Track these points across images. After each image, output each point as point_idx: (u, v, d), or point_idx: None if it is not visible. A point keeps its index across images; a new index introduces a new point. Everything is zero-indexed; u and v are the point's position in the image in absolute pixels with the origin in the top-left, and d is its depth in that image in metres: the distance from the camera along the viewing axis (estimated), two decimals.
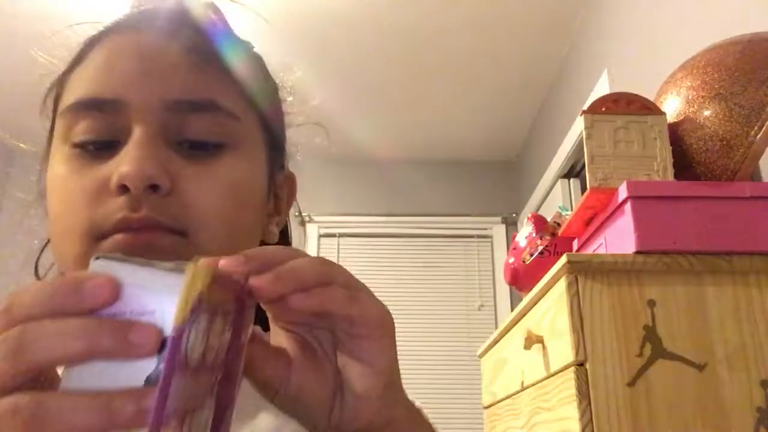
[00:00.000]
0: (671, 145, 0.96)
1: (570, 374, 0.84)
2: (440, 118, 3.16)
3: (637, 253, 0.86)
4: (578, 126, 2.27)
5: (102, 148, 0.41)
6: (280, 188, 0.52)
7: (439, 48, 2.64)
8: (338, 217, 3.33)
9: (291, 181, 0.55)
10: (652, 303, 0.84)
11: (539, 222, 1.30)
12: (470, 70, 2.78)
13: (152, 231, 0.39)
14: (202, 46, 0.44)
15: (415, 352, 3.06)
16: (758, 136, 0.89)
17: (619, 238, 0.92)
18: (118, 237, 0.39)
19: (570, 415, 0.83)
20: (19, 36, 2.61)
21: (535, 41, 2.57)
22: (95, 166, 0.41)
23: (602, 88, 2.08)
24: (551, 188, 2.76)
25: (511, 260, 1.34)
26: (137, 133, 0.40)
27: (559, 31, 2.49)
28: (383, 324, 0.33)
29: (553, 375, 0.93)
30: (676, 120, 0.99)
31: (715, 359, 0.81)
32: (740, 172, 0.91)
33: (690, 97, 0.98)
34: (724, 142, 0.91)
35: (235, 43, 0.49)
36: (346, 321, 0.32)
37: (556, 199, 2.65)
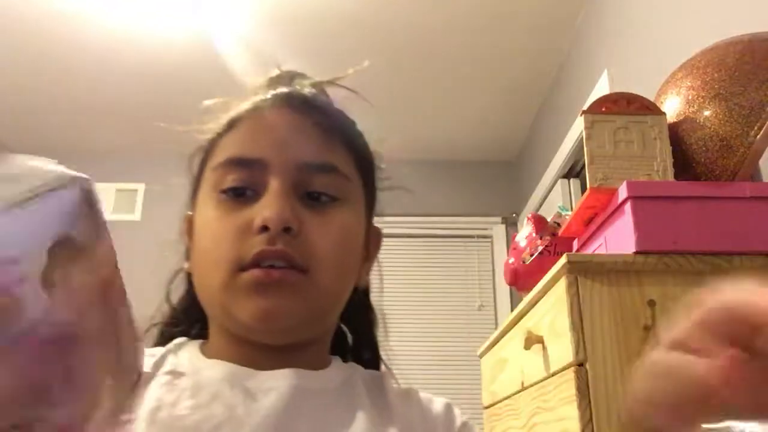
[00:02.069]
0: (671, 145, 0.96)
1: (570, 374, 0.84)
2: (440, 118, 3.16)
3: (637, 253, 0.86)
4: (578, 126, 2.26)
5: (242, 195, 0.52)
6: (371, 238, 0.62)
7: (438, 48, 2.64)
8: None
9: (378, 233, 0.65)
10: (652, 303, 0.84)
11: (539, 222, 1.30)
12: (470, 70, 2.78)
13: (283, 269, 0.49)
14: (326, 123, 0.56)
15: (415, 352, 3.06)
16: (758, 136, 0.89)
17: (619, 238, 0.92)
18: (256, 272, 0.49)
19: (570, 415, 0.83)
20: (19, 36, 2.61)
21: (535, 41, 2.57)
22: (239, 211, 0.51)
23: (602, 88, 2.08)
24: (551, 188, 2.76)
25: (511, 260, 1.34)
26: (274, 185, 0.51)
27: (559, 31, 2.49)
28: None
29: (552, 375, 0.93)
30: (676, 120, 0.99)
31: None
32: (740, 172, 0.91)
33: (690, 97, 0.98)
34: (724, 142, 0.91)
35: (348, 122, 0.61)
36: None
37: (556, 199, 2.65)
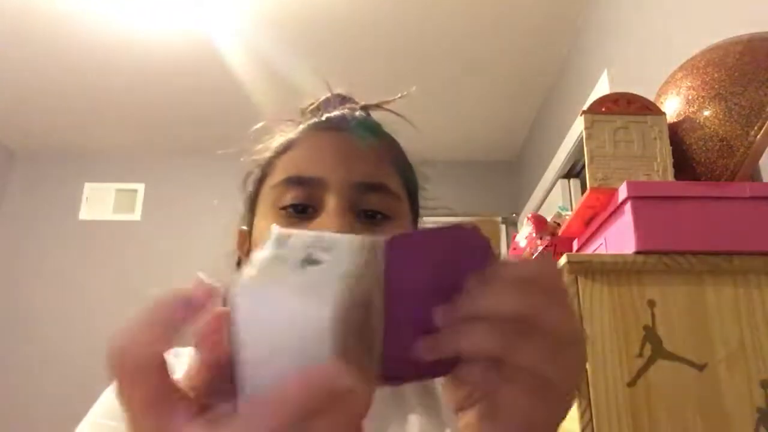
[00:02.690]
0: (671, 145, 0.96)
1: None
2: (440, 118, 3.16)
3: (637, 253, 0.86)
4: (578, 126, 2.26)
5: (301, 212, 0.55)
6: None
7: (438, 48, 2.64)
8: None
9: None
10: (652, 303, 0.84)
11: (539, 222, 1.30)
12: (470, 70, 2.78)
13: None
14: (379, 145, 0.60)
15: None
16: (758, 136, 0.89)
17: (619, 238, 0.92)
18: None
19: (570, 415, 0.83)
20: (19, 37, 2.61)
21: (536, 41, 2.57)
22: (299, 226, 0.54)
23: (602, 88, 2.08)
24: (551, 188, 2.76)
25: None
26: (332, 203, 0.54)
27: (559, 32, 2.49)
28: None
29: None
30: (676, 120, 0.99)
31: (715, 359, 0.81)
32: (740, 172, 0.91)
33: (690, 97, 0.98)
34: (724, 142, 0.91)
35: (399, 148, 0.66)
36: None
37: (556, 199, 2.65)
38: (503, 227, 3.37)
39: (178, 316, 0.26)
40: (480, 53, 2.67)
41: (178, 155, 3.47)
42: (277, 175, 0.59)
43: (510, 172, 3.52)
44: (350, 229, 0.52)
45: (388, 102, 0.71)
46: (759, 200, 0.88)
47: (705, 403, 0.79)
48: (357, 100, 0.69)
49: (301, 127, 0.62)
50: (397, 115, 0.70)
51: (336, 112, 0.64)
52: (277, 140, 0.62)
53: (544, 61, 2.68)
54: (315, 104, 0.68)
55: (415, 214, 0.66)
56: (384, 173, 0.58)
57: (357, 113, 0.65)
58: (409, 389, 0.59)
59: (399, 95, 0.71)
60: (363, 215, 0.56)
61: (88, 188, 3.50)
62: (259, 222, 0.59)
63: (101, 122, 3.26)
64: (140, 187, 3.44)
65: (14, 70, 2.84)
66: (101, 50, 2.67)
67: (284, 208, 0.56)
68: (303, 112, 0.67)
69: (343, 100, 0.68)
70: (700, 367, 0.81)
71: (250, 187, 0.63)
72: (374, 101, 0.73)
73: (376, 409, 0.54)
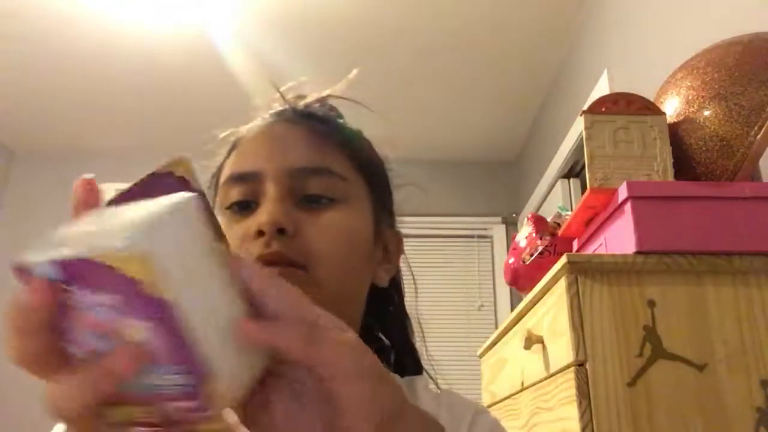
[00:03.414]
0: (671, 145, 0.96)
1: (570, 374, 0.84)
2: (440, 118, 3.16)
3: (637, 253, 0.86)
4: (578, 126, 2.27)
5: (246, 208, 0.55)
6: (389, 242, 0.64)
7: (439, 48, 2.64)
8: None
9: (399, 238, 0.67)
10: (652, 303, 0.84)
11: (539, 222, 1.30)
12: (470, 70, 2.78)
13: (283, 267, 0.50)
14: (320, 129, 0.59)
15: None
16: (758, 136, 0.89)
17: (619, 238, 0.92)
18: None
19: (570, 415, 0.83)
20: (18, 37, 2.61)
21: (535, 41, 2.57)
22: (242, 221, 0.54)
23: (602, 88, 2.08)
24: (551, 188, 2.76)
25: (511, 260, 1.34)
26: (270, 193, 0.54)
27: (559, 32, 2.49)
28: (355, 367, 0.31)
29: (553, 375, 0.93)
30: (676, 120, 0.99)
31: (715, 359, 0.81)
32: (740, 172, 0.91)
33: (690, 97, 0.98)
34: (724, 142, 0.91)
35: (348, 129, 0.63)
36: (305, 365, 0.31)
37: (556, 199, 2.65)
38: (503, 227, 3.37)
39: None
40: (480, 53, 2.67)
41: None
42: (222, 179, 0.59)
43: (510, 172, 3.52)
44: (286, 215, 0.52)
45: (335, 90, 0.69)
46: (759, 200, 0.88)
47: (705, 403, 0.79)
48: (307, 94, 0.68)
49: (245, 127, 0.63)
50: (348, 99, 0.68)
51: (277, 107, 0.63)
52: (225, 146, 0.63)
53: (544, 61, 2.68)
54: (264, 104, 0.67)
55: (381, 198, 0.64)
56: (325, 156, 0.57)
57: (300, 104, 0.64)
58: None
59: (343, 82, 0.69)
60: (306, 200, 0.55)
61: None
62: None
63: (101, 122, 3.26)
64: None
65: (14, 70, 2.84)
66: (102, 50, 2.67)
67: (229, 207, 0.56)
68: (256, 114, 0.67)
69: (291, 95, 0.67)
70: (700, 367, 0.81)
71: (213, 197, 0.64)
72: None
73: None
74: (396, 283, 0.71)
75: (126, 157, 3.54)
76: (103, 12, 2.45)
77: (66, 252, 0.27)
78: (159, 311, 0.27)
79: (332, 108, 0.67)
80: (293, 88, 0.68)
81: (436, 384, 0.64)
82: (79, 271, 0.27)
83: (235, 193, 0.56)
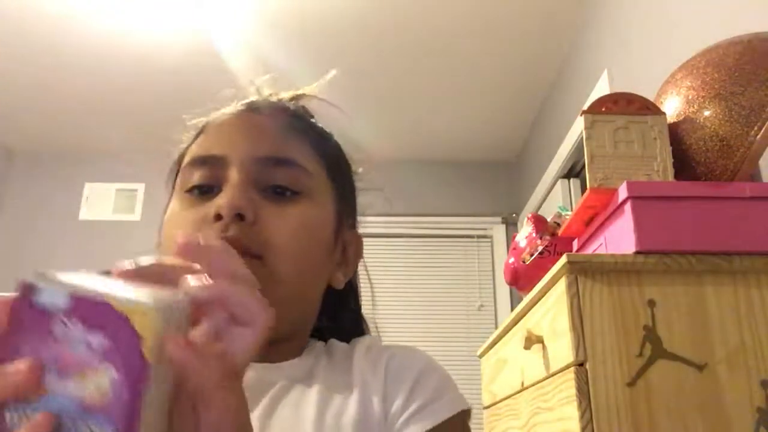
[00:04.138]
0: (671, 145, 0.96)
1: (570, 374, 0.84)
2: (440, 118, 3.16)
3: (637, 253, 0.86)
4: (578, 126, 2.26)
5: (207, 192, 0.54)
6: (348, 244, 0.63)
7: (439, 48, 2.64)
8: None
9: (359, 240, 0.65)
10: (652, 303, 0.84)
11: (539, 222, 1.30)
12: (470, 70, 2.78)
13: (238, 254, 0.47)
14: (290, 123, 0.59)
15: None
16: (758, 136, 0.89)
17: (619, 238, 0.92)
18: None
19: (570, 415, 0.83)
20: (18, 38, 2.61)
21: (535, 41, 2.57)
22: (201, 204, 0.53)
23: (602, 88, 2.08)
24: (551, 188, 2.76)
25: (511, 260, 1.34)
26: (232, 178, 0.53)
27: (559, 31, 2.49)
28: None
29: (553, 375, 0.93)
30: (676, 120, 0.99)
31: (715, 359, 0.81)
32: (740, 172, 0.91)
33: (690, 97, 0.98)
34: (724, 142, 0.91)
35: (318, 127, 0.63)
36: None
37: (556, 199, 2.65)
38: (503, 227, 3.37)
39: None
40: (480, 53, 2.67)
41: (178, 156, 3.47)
42: (185, 161, 0.58)
43: (510, 172, 3.52)
44: (251, 203, 0.51)
45: (307, 90, 0.68)
46: (759, 200, 0.88)
47: (705, 403, 0.79)
48: (279, 92, 0.68)
49: (213, 114, 0.62)
50: (325, 101, 0.68)
51: (247, 100, 0.63)
52: (191, 133, 0.62)
53: (544, 61, 2.68)
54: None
55: (344, 199, 0.63)
56: (292, 148, 0.56)
57: (272, 97, 0.64)
58: (324, 364, 0.57)
59: (315, 84, 0.69)
60: (270, 191, 0.54)
61: (88, 188, 3.50)
62: (169, 207, 0.58)
63: (101, 122, 3.26)
64: (140, 187, 3.44)
65: (14, 70, 2.84)
66: (102, 50, 2.67)
67: (189, 190, 0.55)
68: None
69: (265, 92, 0.67)
70: (700, 367, 0.81)
71: (170, 179, 0.62)
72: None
73: (279, 391, 0.52)
74: (352, 286, 0.69)
75: (126, 157, 3.54)
76: (103, 13, 2.45)
77: (86, 291, 0.30)
78: (139, 370, 0.29)
79: (304, 108, 0.66)
80: (268, 83, 0.67)
81: (376, 340, 0.63)
82: (87, 310, 0.30)
83: (197, 177, 0.55)
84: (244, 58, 2.67)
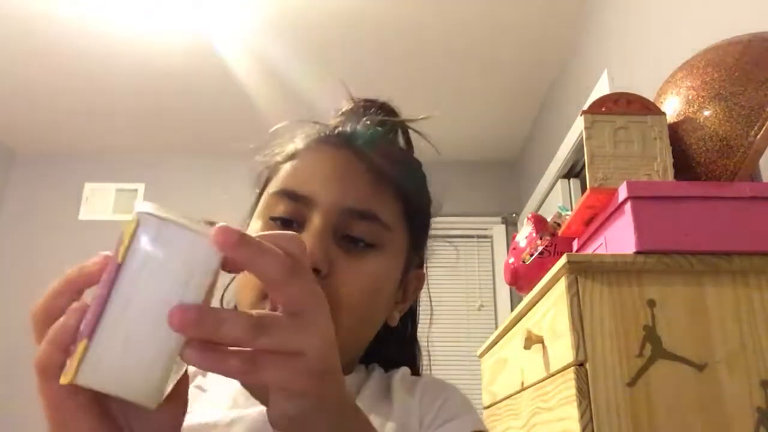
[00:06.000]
0: (671, 145, 0.96)
1: (570, 374, 0.84)
2: (440, 118, 3.15)
3: (637, 253, 0.86)
4: (578, 126, 2.27)
5: (287, 224, 0.55)
6: (409, 282, 0.64)
7: (439, 48, 2.64)
8: None
9: (421, 278, 0.67)
10: (652, 303, 0.84)
11: (539, 222, 1.30)
12: (470, 70, 2.78)
13: None
14: (380, 168, 0.58)
15: None
16: (758, 136, 0.89)
17: (619, 238, 0.92)
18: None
19: (570, 415, 0.83)
20: (19, 39, 2.61)
21: (536, 41, 2.57)
22: None
23: (602, 88, 2.08)
24: (551, 188, 2.76)
25: (511, 260, 1.34)
26: (315, 223, 0.54)
27: (559, 32, 2.49)
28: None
29: (553, 375, 0.93)
30: (676, 120, 0.99)
31: (715, 359, 0.81)
32: (740, 172, 0.91)
33: (690, 97, 0.98)
34: (724, 142, 0.91)
35: (408, 168, 0.64)
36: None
37: (556, 199, 2.65)
38: (503, 227, 3.37)
39: (80, 281, 0.33)
40: (480, 53, 2.67)
41: (178, 155, 3.47)
42: (276, 183, 0.59)
43: (510, 172, 3.52)
44: (325, 256, 0.52)
45: (411, 121, 0.70)
46: (759, 200, 0.88)
47: (705, 403, 0.79)
48: (396, 109, 0.69)
49: (311, 136, 0.62)
50: (419, 134, 0.70)
51: (347, 127, 0.62)
52: (286, 146, 0.63)
53: (545, 61, 2.68)
54: (341, 111, 0.68)
55: (417, 243, 0.64)
56: (378, 200, 0.57)
57: (370, 131, 0.63)
58: (369, 388, 0.59)
59: (422, 116, 0.71)
60: (345, 240, 0.55)
61: (88, 188, 3.50)
62: (252, 223, 0.59)
63: (101, 122, 3.27)
64: (140, 187, 3.44)
65: (15, 71, 2.84)
66: (103, 51, 2.68)
67: (273, 218, 0.56)
68: (323, 119, 0.66)
69: (365, 110, 0.66)
70: (700, 367, 0.81)
71: (257, 188, 0.64)
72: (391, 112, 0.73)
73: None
74: (412, 312, 0.72)
75: (126, 157, 3.54)
76: (104, 14, 2.45)
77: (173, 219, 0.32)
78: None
79: (400, 132, 0.68)
80: (366, 104, 0.68)
81: (418, 372, 0.66)
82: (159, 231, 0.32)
83: (282, 208, 0.56)
84: (244, 58, 2.67)
